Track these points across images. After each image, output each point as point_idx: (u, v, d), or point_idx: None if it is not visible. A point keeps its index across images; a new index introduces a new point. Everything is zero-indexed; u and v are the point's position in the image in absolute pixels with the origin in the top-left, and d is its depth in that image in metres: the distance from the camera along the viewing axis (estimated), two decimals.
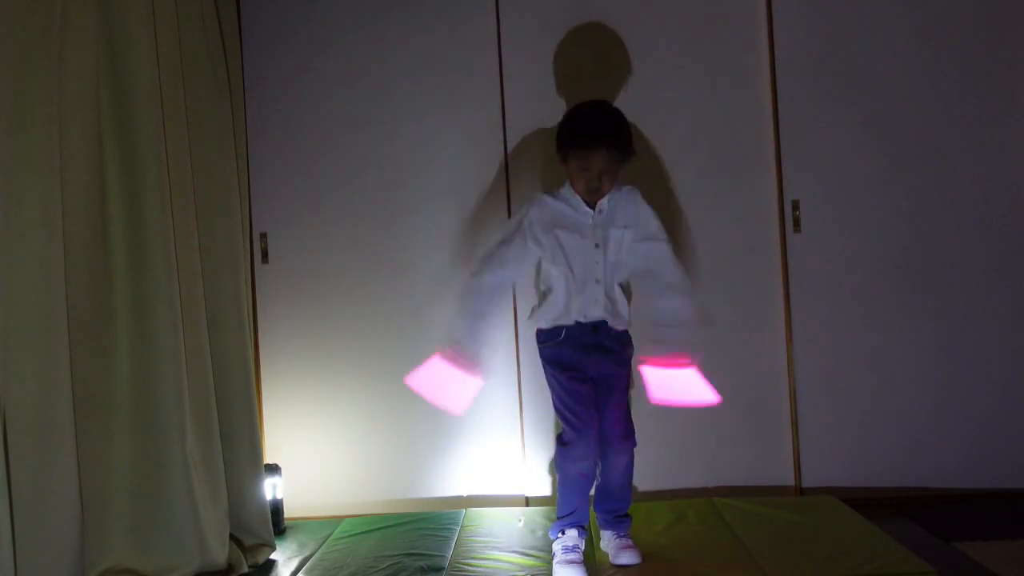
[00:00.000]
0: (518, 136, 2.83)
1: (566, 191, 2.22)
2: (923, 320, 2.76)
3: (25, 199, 1.82)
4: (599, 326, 2.20)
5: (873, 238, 2.77)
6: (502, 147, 2.83)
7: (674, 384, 2.18)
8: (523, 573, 2.17)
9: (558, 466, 2.22)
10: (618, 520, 2.26)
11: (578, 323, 2.20)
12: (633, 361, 2.28)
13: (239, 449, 2.41)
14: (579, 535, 2.18)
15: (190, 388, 2.18)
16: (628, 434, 2.22)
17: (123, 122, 2.10)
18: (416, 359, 2.83)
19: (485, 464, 2.83)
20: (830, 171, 2.78)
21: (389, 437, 2.85)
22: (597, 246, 2.18)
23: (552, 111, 2.80)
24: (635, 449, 2.25)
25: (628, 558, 2.18)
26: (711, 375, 2.78)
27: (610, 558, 2.22)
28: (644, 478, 2.68)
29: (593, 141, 2.12)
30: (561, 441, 2.20)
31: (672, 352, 2.16)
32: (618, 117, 2.19)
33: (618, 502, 2.27)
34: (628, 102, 2.81)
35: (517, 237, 2.21)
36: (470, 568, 2.21)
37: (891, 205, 2.77)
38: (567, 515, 2.20)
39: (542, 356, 2.28)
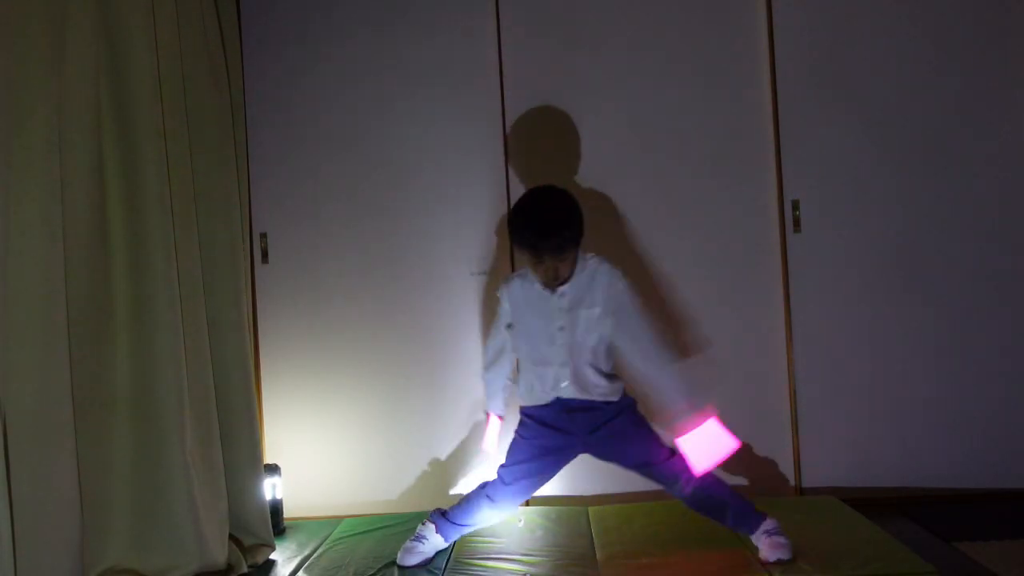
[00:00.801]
0: (518, 138, 2.83)
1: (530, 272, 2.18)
2: (923, 320, 2.76)
3: (25, 199, 1.82)
4: (574, 406, 2.17)
5: (873, 238, 2.77)
6: (502, 148, 2.83)
7: (708, 444, 2.12)
8: (522, 573, 2.16)
9: (479, 498, 2.25)
10: (742, 524, 2.18)
11: (547, 404, 2.19)
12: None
13: (239, 449, 2.41)
14: (436, 531, 2.25)
15: (190, 388, 2.17)
16: (665, 457, 2.16)
17: (123, 122, 2.10)
18: (415, 359, 2.86)
19: (485, 464, 2.83)
20: (830, 171, 2.78)
21: (389, 437, 2.86)
22: (562, 328, 2.15)
23: (552, 114, 2.81)
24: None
25: (781, 553, 2.09)
26: (711, 375, 2.80)
27: (760, 555, 2.14)
28: (641, 479, 2.66)
29: (538, 247, 2.06)
30: (487, 496, 2.23)
31: (687, 417, 2.11)
32: (563, 216, 2.07)
33: (725, 517, 2.18)
34: (628, 102, 2.82)
35: (499, 331, 2.29)
36: (470, 568, 2.21)
37: (891, 205, 2.77)
38: (452, 521, 2.26)
39: (524, 412, 2.26)
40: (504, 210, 2.83)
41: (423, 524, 2.29)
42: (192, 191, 2.30)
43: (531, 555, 2.28)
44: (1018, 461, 2.71)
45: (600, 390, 2.18)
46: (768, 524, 2.16)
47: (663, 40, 2.83)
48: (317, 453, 2.87)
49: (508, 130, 2.84)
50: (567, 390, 2.17)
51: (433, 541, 2.26)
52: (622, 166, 2.81)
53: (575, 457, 2.26)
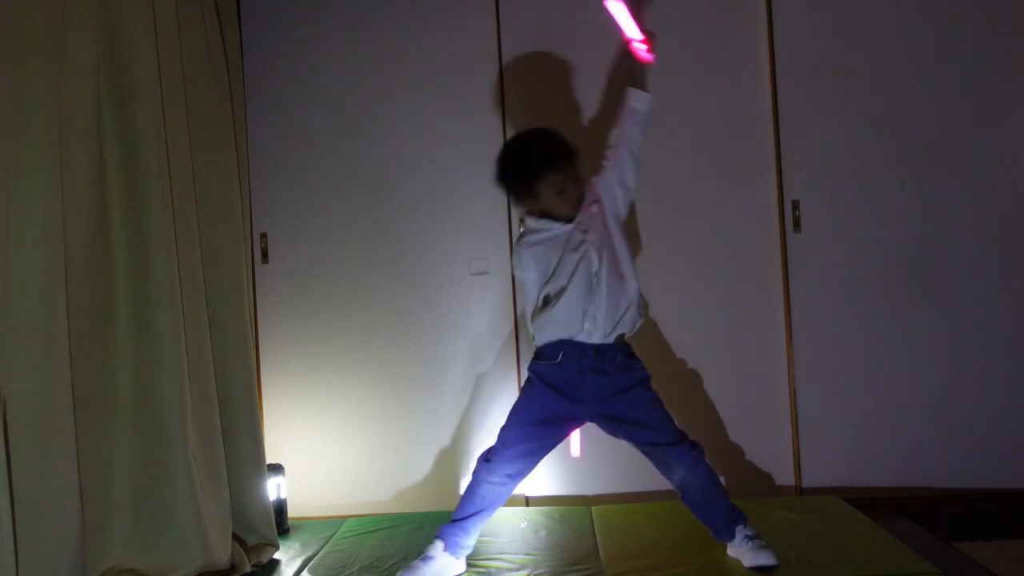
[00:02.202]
0: None
1: (533, 222, 2.16)
2: (923, 320, 2.76)
3: (25, 199, 1.81)
4: (601, 349, 2.09)
5: (873, 238, 2.77)
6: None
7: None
8: (525, 573, 2.17)
9: (473, 474, 2.17)
10: (727, 526, 2.14)
11: (580, 343, 2.09)
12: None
13: (241, 449, 2.41)
14: (444, 549, 2.12)
15: (192, 388, 2.17)
16: (677, 439, 2.10)
17: (123, 122, 2.09)
18: (417, 358, 2.86)
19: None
20: (830, 171, 2.79)
21: (391, 436, 2.85)
22: (594, 255, 2.09)
23: (552, 112, 2.81)
24: (692, 452, 2.10)
25: (764, 559, 2.06)
26: (711, 375, 2.80)
27: (744, 563, 2.10)
28: (645, 478, 2.67)
29: (560, 165, 2.10)
30: (485, 458, 2.16)
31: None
32: (560, 135, 2.17)
33: (715, 515, 2.15)
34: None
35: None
36: (472, 568, 2.20)
37: (891, 205, 2.78)
38: (455, 520, 2.14)
39: (534, 371, 2.15)
40: (505, 211, 2.83)
41: (432, 543, 2.14)
42: (192, 191, 2.30)
43: (534, 555, 2.28)
44: (1018, 461, 2.72)
45: (628, 326, 2.12)
46: (748, 530, 2.13)
47: (663, 40, 2.81)
48: (319, 453, 2.86)
49: (508, 128, 2.83)
50: (601, 329, 2.07)
51: (441, 561, 2.11)
52: None
53: (581, 426, 2.18)
